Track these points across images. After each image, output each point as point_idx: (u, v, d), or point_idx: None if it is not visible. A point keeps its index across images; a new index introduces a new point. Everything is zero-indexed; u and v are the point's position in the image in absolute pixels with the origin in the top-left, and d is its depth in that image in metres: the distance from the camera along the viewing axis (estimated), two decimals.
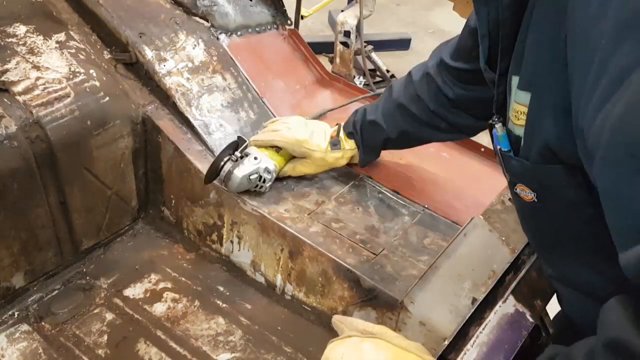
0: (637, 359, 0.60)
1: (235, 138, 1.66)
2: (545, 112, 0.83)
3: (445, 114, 1.52)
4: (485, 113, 1.04)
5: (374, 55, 4.46)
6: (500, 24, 0.90)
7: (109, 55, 1.73)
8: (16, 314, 1.55)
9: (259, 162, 1.62)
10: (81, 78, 1.60)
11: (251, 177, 1.60)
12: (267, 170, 1.62)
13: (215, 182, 1.65)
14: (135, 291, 1.65)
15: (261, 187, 1.63)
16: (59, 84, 1.55)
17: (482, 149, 1.92)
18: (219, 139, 1.73)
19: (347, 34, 2.16)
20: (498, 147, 0.97)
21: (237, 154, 1.62)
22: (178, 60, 1.77)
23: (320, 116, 1.99)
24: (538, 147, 0.86)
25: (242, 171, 1.59)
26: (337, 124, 1.72)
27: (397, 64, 4.88)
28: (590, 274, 0.94)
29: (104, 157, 1.64)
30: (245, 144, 1.65)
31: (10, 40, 1.59)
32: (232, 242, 1.72)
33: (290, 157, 1.75)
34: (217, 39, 1.91)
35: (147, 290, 1.65)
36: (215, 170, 1.60)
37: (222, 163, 1.60)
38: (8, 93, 1.47)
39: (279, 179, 1.72)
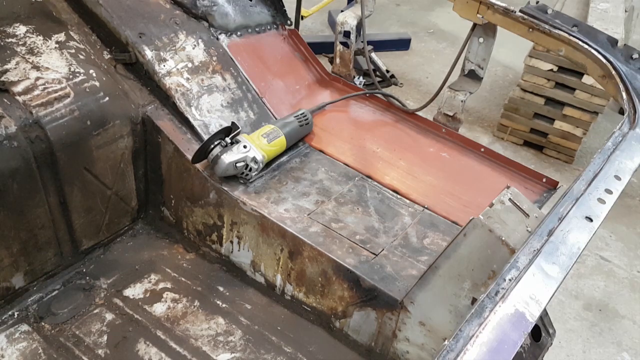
0: None
1: None
2: None
3: None
4: None
5: (373, 55, 4.46)
6: None
7: (109, 55, 1.73)
8: (16, 314, 1.55)
9: (247, 151, 1.64)
10: (81, 78, 1.60)
11: (238, 164, 1.62)
12: (254, 159, 1.65)
13: (213, 181, 1.65)
14: (135, 291, 1.65)
15: (247, 175, 1.66)
16: (59, 84, 1.55)
17: (482, 149, 1.92)
18: None
19: (347, 34, 2.15)
20: None
21: (228, 140, 1.65)
22: (178, 61, 1.77)
23: (319, 110, 2.00)
24: None
25: (229, 157, 1.61)
26: None
27: (397, 64, 4.88)
28: None
29: (103, 157, 1.64)
30: (237, 131, 1.67)
31: (10, 40, 1.59)
32: (232, 242, 1.72)
33: (282, 151, 1.77)
34: (217, 39, 1.91)
35: (147, 290, 1.65)
36: (203, 152, 1.63)
37: (212, 146, 1.63)
38: (8, 93, 1.47)
39: (278, 179, 1.73)
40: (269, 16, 2.12)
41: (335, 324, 1.58)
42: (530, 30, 1.74)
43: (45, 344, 1.46)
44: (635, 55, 1.57)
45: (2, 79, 1.48)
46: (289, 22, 2.19)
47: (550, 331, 1.61)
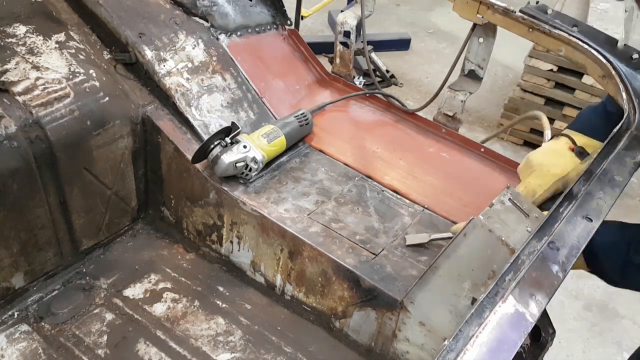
0: None
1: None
2: None
3: None
4: None
5: (373, 55, 4.47)
6: None
7: (109, 55, 1.73)
8: (16, 314, 1.55)
9: (247, 151, 1.64)
10: (81, 78, 1.60)
11: (237, 164, 1.62)
12: (254, 160, 1.65)
13: (213, 181, 1.65)
14: (135, 291, 1.65)
15: (247, 175, 1.66)
16: (59, 84, 1.55)
17: (482, 149, 1.92)
18: None
19: (347, 34, 2.15)
20: None
21: (228, 140, 1.65)
22: (178, 61, 1.77)
23: (319, 110, 2.00)
24: None
25: (229, 157, 1.61)
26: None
27: (397, 64, 4.88)
28: None
29: (103, 157, 1.64)
30: (237, 131, 1.67)
31: (10, 40, 1.59)
32: (232, 242, 1.72)
33: (281, 151, 1.77)
34: (217, 39, 1.91)
35: (147, 290, 1.65)
36: (203, 152, 1.63)
37: (212, 146, 1.63)
38: (8, 93, 1.47)
39: (278, 179, 1.73)
40: (269, 16, 2.12)
41: (335, 324, 1.58)
42: (530, 30, 1.74)
43: (45, 344, 1.46)
44: (635, 55, 1.57)
45: (2, 79, 1.48)
46: (289, 22, 2.19)
47: (550, 331, 1.61)
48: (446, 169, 1.86)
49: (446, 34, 5.48)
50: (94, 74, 1.63)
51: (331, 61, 2.40)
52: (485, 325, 0.87)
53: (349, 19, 2.12)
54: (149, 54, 1.71)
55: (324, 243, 1.53)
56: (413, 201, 1.72)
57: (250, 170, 1.65)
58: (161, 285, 1.67)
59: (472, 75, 1.99)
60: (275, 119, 1.89)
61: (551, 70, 3.67)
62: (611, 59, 1.58)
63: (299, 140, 1.88)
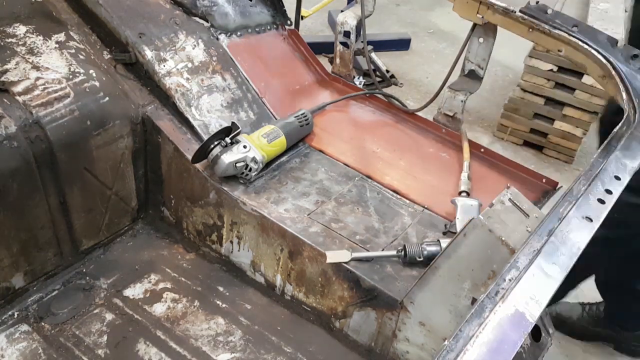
0: None
1: None
2: None
3: None
4: None
5: (373, 55, 4.46)
6: None
7: (109, 56, 1.73)
8: (16, 314, 1.55)
9: (247, 151, 1.64)
10: (81, 78, 1.60)
11: (237, 164, 1.62)
12: (254, 160, 1.65)
13: (213, 181, 1.65)
14: (135, 291, 1.65)
15: (247, 175, 1.66)
16: (59, 84, 1.55)
17: (482, 150, 1.92)
18: None
19: (347, 34, 2.16)
20: None
21: (228, 140, 1.65)
22: (178, 61, 1.77)
23: (319, 110, 2.00)
24: None
25: (229, 157, 1.61)
26: None
27: (396, 64, 4.87)
28: None
29: (103, 157, 1.64)
30: (237, 131, 1.67)
31: (10, 40, 1.59)
32: (232, 242, 1.72)
33: (282, 151, 1.77)
34: (217, 39, 1.91)
35: (147, 291, 1.65)
36: (203, 152, 1.63)
37: (212, 146, 1.63)
38: (8, 93, 1.47)
39: (278, 179, 1.73)
40: (269, 16, 2.12)
41: (335, 324, 1.58)
42: (530, 30, 1.74)
43: (45, 344, 1.46)
44: (636, 56, 1.57)
45: (2, 79, 1.48)
46: (289, 22, 2.19)
47: (550, 331, 1.61)
48: (446, 169, 1.86)
49: (446, 34, 5.47)
50: (94, 74, 1.63)
51: (331, 61, 2.40)
52: (485, 325, 0.87)
53: (349, 19, 2.12)
54: (149, 54, 1.71)
55: (324, 243, 1.53)
56: (413, 201, 1.72)
57: (250, 170, 1.65)
58: (161, 285, 1.67)
59: (472, 75, 1.99)
60: (275, 119, 1.89)
61: (551, 70, 3.66)
62: (611, 59, 1.58)
63: (299, 140, 1.88)
